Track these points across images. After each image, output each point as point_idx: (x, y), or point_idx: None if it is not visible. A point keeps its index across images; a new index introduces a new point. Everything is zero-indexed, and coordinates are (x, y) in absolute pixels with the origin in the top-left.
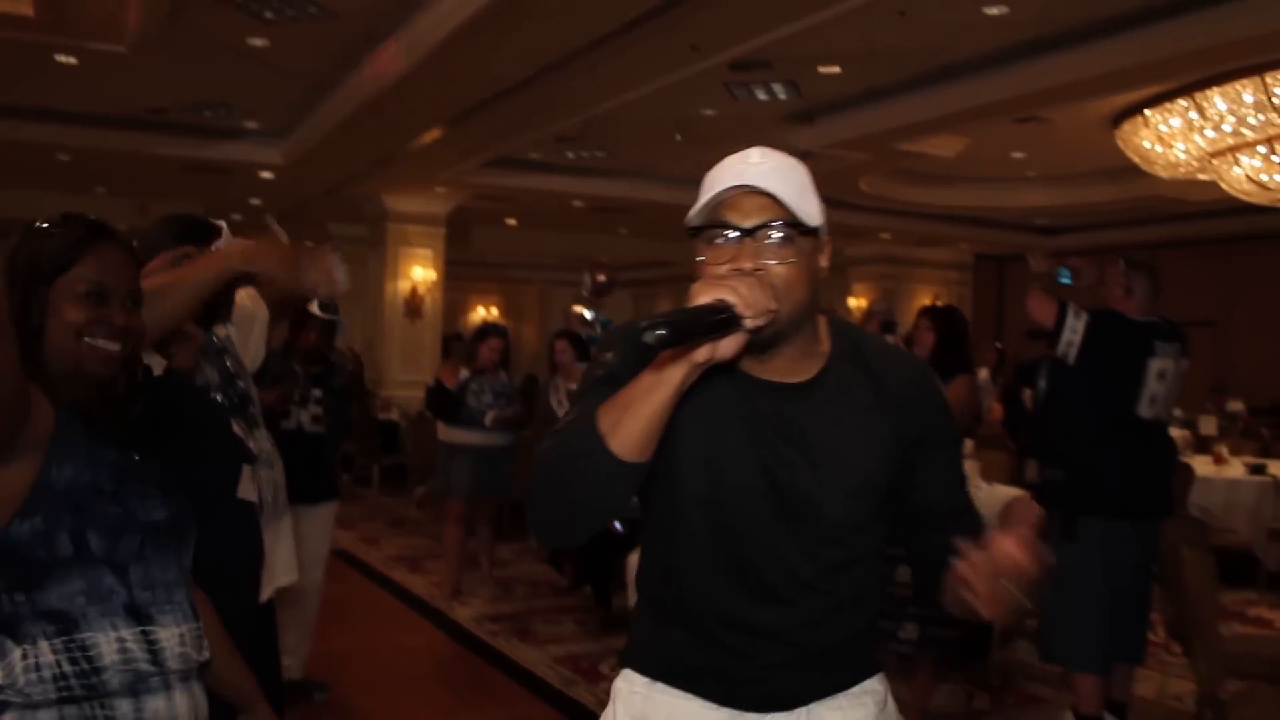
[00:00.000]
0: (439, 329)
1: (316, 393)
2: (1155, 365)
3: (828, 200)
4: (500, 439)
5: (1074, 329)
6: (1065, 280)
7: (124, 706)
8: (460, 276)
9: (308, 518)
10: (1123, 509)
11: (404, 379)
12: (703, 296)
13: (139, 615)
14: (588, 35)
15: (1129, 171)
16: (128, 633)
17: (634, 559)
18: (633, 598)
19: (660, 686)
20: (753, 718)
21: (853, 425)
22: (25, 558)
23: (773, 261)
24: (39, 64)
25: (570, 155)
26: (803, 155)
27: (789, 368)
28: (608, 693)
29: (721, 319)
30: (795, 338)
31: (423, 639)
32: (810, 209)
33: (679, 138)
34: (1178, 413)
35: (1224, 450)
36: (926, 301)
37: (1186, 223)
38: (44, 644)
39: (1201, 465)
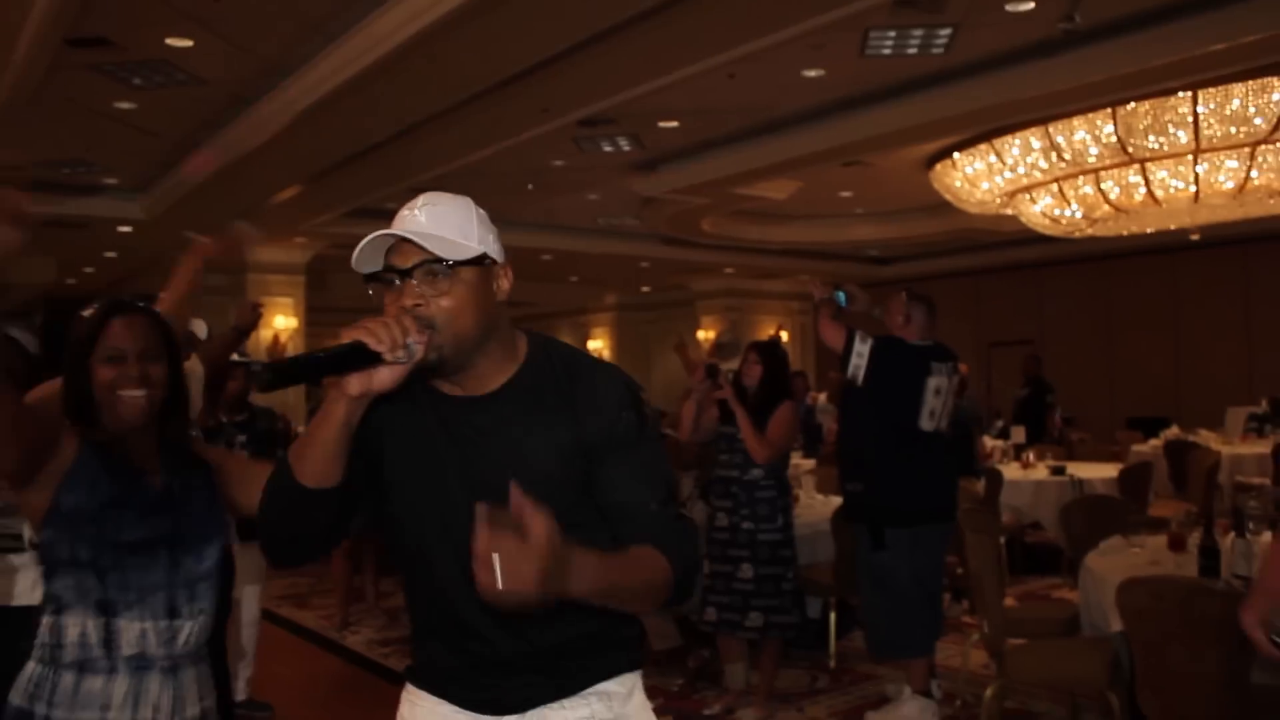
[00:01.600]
0: None
1: (241, 438)
2: (932, 383)
3: (673, 240)
4: None
5: (860, 353)
6: (842, 303)
7: (68, 679)
8: (317, 322)
9: (244, 554)
10: (919, 517)
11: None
12: (345, 339)
13: (106, 609)
14: (446, 101)
15: (947, 206)
16: (91, 622)
17: None
18: None
19: (422, 694)
20: None
21: (533, 427)
22: (44, 557)
23: (434, 295)
24: None
25: None
26: (646, 201)
27: (477, 383)
28: None
29: (355, 357)
30: (478, 357)
31: (322, 665)
32: (464, 245)
33: (531, 186)
34: (999, 423)
35: (1030, 456)
36: (771, 331)
37: (1002, 250)
38: (45, 619)
39: (1011, 470)
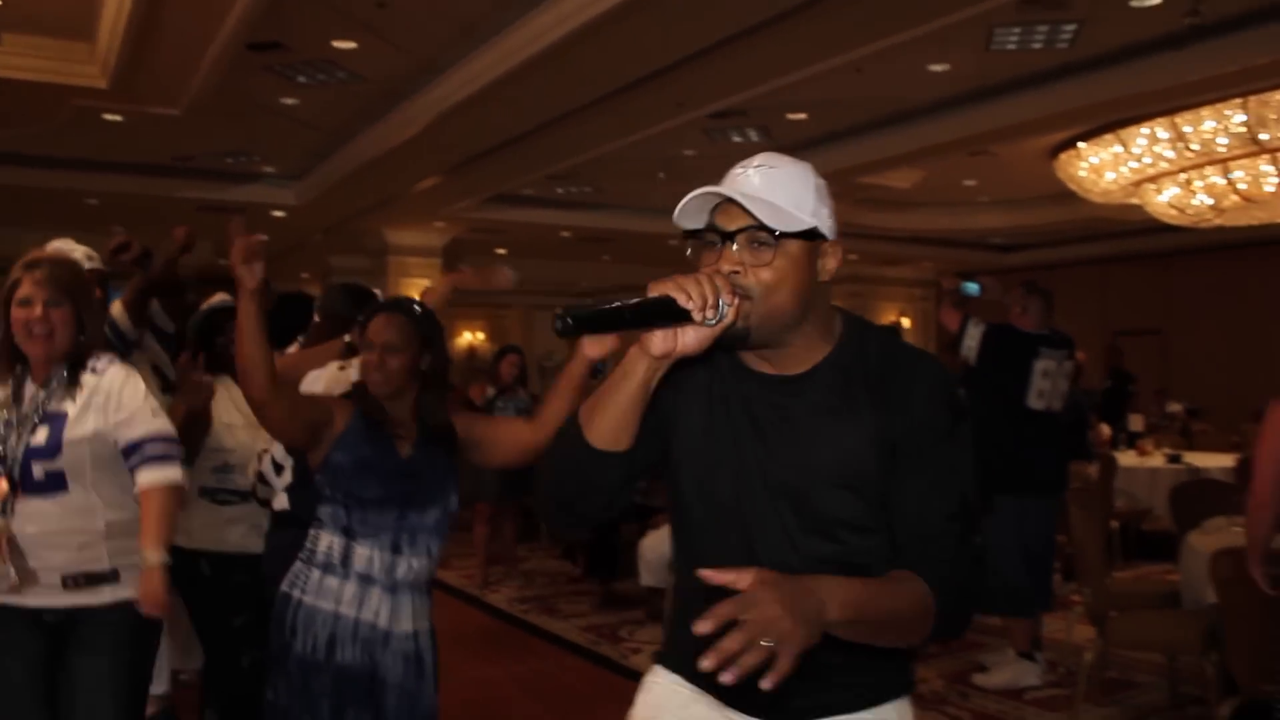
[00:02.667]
0: None
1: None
2: (1039, 366)
3: None
4: None
5: (973, 335)
6: (973, 292)
7: (315, 575)
8: (453, 303)
9: None
10: (1026, 486)
11: None
12: (652, 292)
13: (347, 534)
14: (586, 97)
15: (1072, 195)
16: (336, 541)
17: (646, 544)
18: (645, 580)
19: (677, 680)
20: None
21: (842, 419)
22: (317, 489)
23: (755, 264)
24: (87, 121)
25: (560, 191)
26: None
27: (788, 362)
28: (628, 650)
29: (661, 312)
30: (792, 335)
31: (466, 617)
32: (795, 216)
33: (662, 175)
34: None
35: (1148, 444)
36: (892, 316)
37: (1128, 239)
38: (311, 530)
39: (1127, 457)
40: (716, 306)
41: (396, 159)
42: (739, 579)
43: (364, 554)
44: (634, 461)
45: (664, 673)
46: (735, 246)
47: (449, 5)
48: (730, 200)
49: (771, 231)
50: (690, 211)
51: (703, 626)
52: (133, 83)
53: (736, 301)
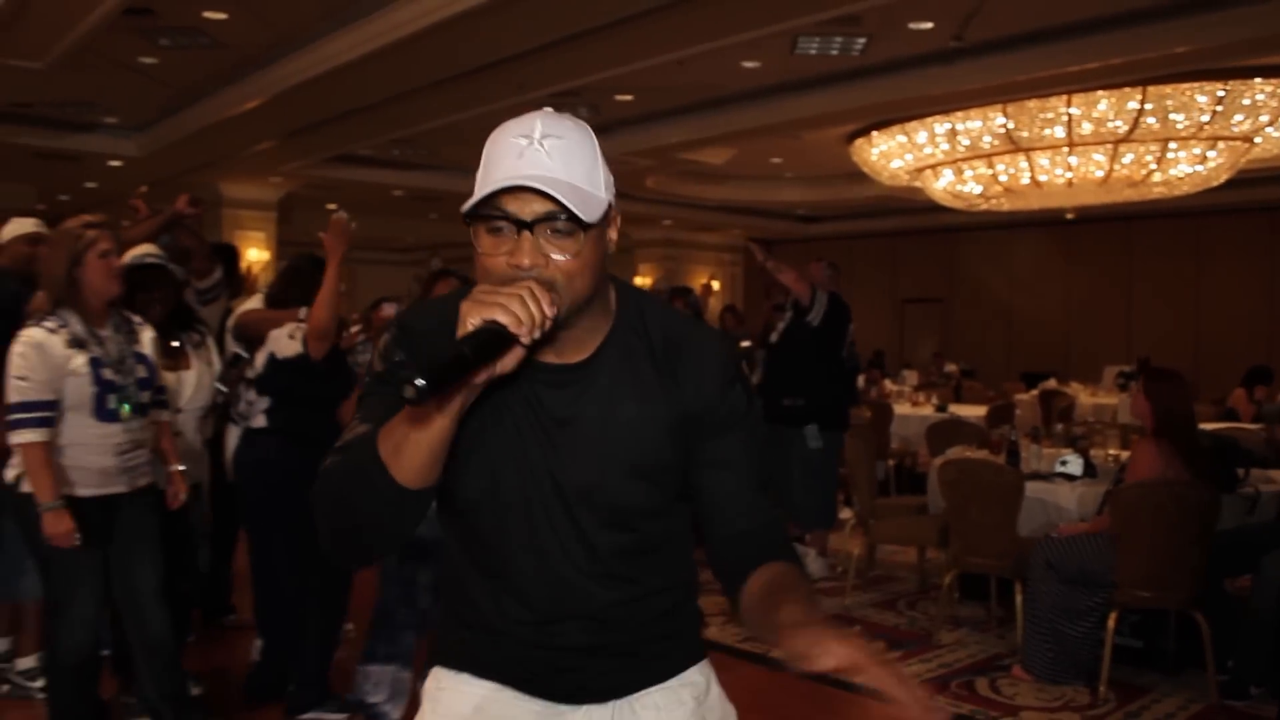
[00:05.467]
0: None
1: None
2: (851, 328)
3: (618, 193)
4: None
5: (821, 302)
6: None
7: None
8: (286, 255)
9: None
10: (842, 424)
11: None
12: (472, 318)
13: None
14: (435, 77)
15: (865, 176)
16: None
17: None
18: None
19: (466, 678)
20: (566, 709)
21: (632, 405)
22: None
23: (556, 255)
24: None
25: (397, 153)
26: None
27: (570, 348)
28: None
29: (496, 342)
30: (579, 317)
31: None
32: (596, 194)
33: None
34: (907, 372)
35: (919, 396)
36: (704, 279)
37: (915, 216)
38: None
39: (903, 407)
40: (544, 325)
41: (244, 121)
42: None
43: None
44: (432, 496)
45: (447, 675)
46: (534, 235)
47: None
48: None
49: (579, 221)
50: (477, 197)
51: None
52: (1, 39)
53: (555, 309)
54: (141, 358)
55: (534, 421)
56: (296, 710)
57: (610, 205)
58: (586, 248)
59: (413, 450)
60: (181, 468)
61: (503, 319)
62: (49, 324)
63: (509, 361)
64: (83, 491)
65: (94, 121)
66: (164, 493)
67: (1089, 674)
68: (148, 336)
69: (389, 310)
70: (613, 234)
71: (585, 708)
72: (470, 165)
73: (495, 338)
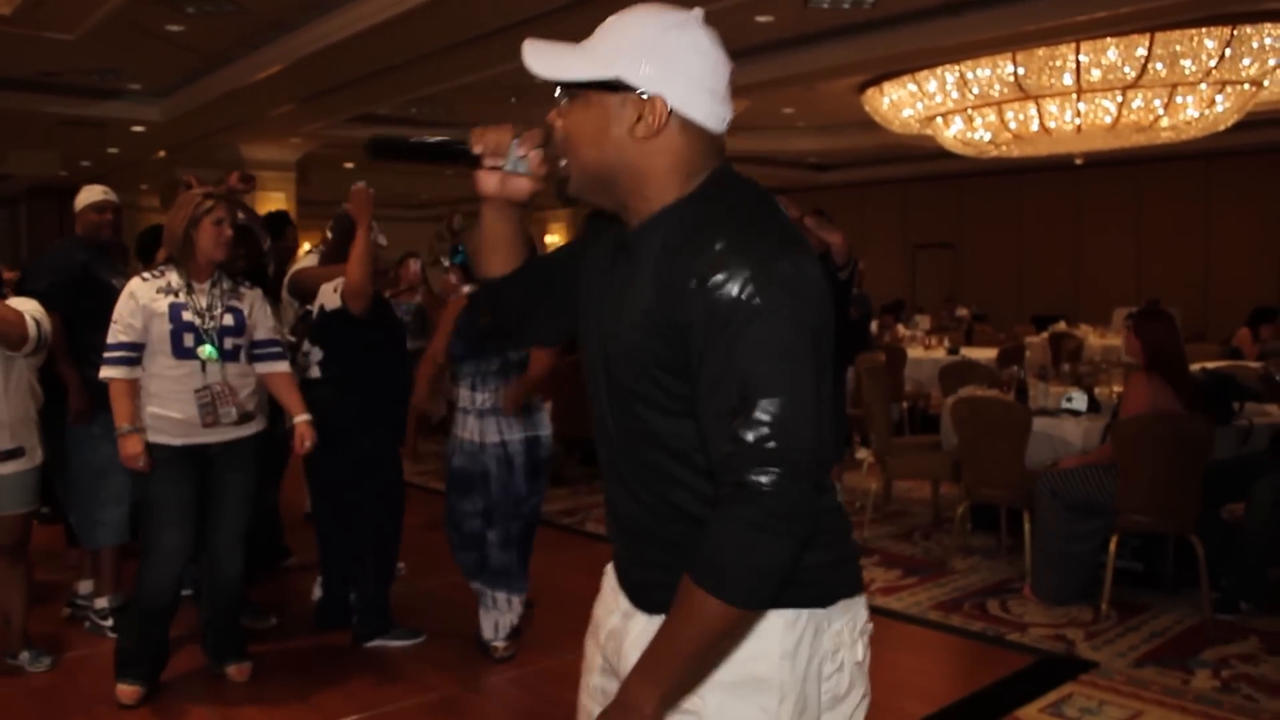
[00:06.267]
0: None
1: None
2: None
3: None
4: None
5: (853, 264)
6: None
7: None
8: (306, 214)
9: None
10: (841, 360)
11: None
12: (472, 139)
13: (471, 387)
14: (460, 37)
15: (876, 124)
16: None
17: None
18: None
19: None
20: (625, 605)
21: (630, 286)
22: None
23: (553, 114)
24: None
25: (414, 111)
26: None
27: (631, 224)
28: None
29: (450, 153)
30: (619, 194)
31: None
32: (575, 64)
33: (514, 100)
34: (919, 316)
35: (932, 340)
36: None
37: (925, 162)
38: None
39: (916, 350)
40: (509, 155)
41: (265, 86)
42: None
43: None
44: (526, 293)
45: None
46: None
47: None
48: None
49: (568, 85)
50: None
51: None
52: (36, 13)
53: (536, 152)
54: (234, 310)
55: (601, 283)
56: (364, 638)
57: (621, 82)
58: (575, 114)
59: (479, 245)
60: (307, 417)
61: (472, 138)
62: (148, 274)
63: (517, 185)
64: (168, 440)
65: (119, 88)
66: (265, 446)
67: (1092, 594)
68: (253, 296)
69: (415, 266)
70: (645, 120)
71: (646, 617)
72: (488, 120)
73: (449, 148)
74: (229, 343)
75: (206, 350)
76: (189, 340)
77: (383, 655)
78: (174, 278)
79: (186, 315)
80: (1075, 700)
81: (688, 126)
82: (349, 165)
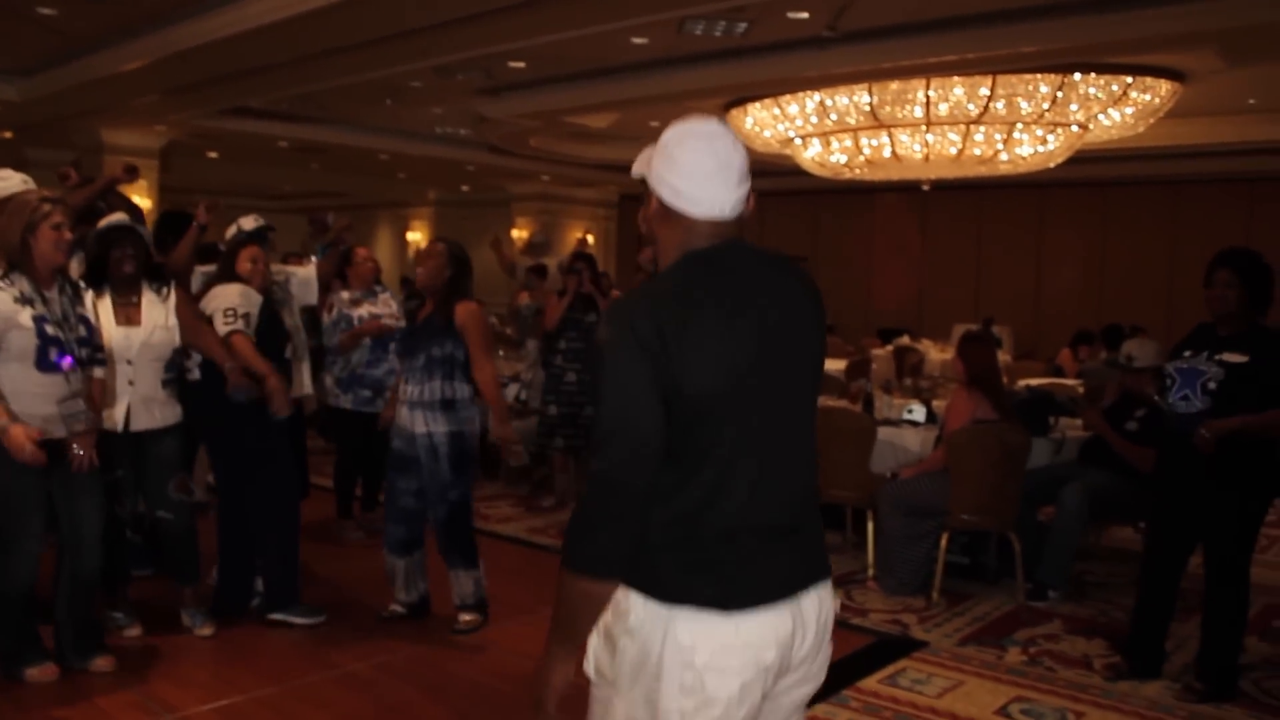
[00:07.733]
0: None
1: None
2: None
3: (500, 150)
4: None
5: None
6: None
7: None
8: (168, 202)
9: None
10: None
11: None
12: None
13: (407, 380)
14: (343, 41)
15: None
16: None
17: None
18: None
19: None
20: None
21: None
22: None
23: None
24: None
25: (286, 105)
26: (482, 120)
27: None
28: None
29: None
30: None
31: None
32: (638, 166)
33: (389, 101)
34: None
35: None
36: (579, 234)
37: (786, 178)
38: None
39: None
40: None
41: (139, 75)
42: None
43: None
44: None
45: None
46: None
47: None
48: None
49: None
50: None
51: None
52: None
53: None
54: (83, 318)
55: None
56: (269, 610)
57: (646, 179)
58: (647, 206)
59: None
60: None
61: None
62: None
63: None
64: None
65: None
66: (100, 440)
67: (925, 585)
68: (89, 300)
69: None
70: (648, 207)
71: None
72: (359, 121)
73: None
74: (84, 352)
75: (69, 365)
76: (53, 354)
77: (287, 634)
78: (25, 286)
79: (51, 329)
80: (908, 673)
81: (672, 214)
82: (213, 155)
